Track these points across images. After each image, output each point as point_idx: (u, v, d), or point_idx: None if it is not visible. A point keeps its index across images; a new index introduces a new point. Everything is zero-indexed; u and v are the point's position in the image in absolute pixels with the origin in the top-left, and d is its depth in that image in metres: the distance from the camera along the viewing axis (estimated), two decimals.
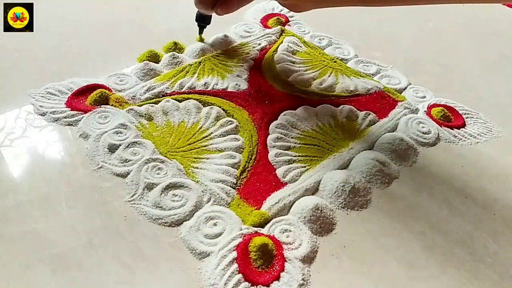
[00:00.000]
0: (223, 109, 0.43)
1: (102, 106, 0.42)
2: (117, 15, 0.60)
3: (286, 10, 0.63)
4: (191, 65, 0.49)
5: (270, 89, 0.47)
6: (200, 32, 0.52)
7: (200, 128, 0.41)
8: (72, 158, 0.37)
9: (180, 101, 0.44)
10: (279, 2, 0.41)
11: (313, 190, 0.36)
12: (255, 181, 0.36)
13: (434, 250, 0.32)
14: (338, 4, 0.38)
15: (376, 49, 0.56)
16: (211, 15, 0.49)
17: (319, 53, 0.53)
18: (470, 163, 0.40)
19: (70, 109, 0.42)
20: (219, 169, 0.37)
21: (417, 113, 0.45)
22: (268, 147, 0.39)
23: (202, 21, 0.50)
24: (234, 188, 0.35)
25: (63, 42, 0.53)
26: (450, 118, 0.45)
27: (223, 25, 0.56)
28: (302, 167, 0.38)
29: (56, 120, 0.41)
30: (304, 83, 0.48)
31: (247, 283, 0.28)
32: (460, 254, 0.32)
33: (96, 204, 0.33)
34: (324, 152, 0.39)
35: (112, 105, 0.42)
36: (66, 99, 0.43)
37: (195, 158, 0.38)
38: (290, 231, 0.32)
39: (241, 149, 0.39)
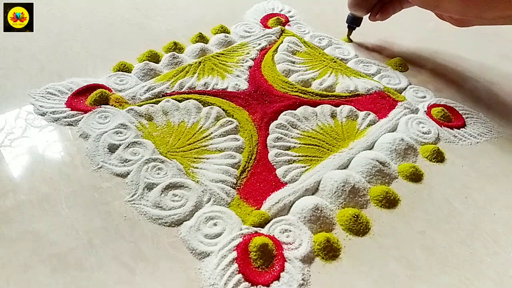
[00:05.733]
0: (223, 109, 0.43)
1: (102, 106, 0.42)
2: (117, 15, 0.60)
3: (286, 10, 0.63)
4: (191, 65, 0.49)
5: (270, 89, 0.46)
6: (349, 33, 0.55)
7: (200, 128, 0.41)
8: (72, 158, 0.37)
9: (180, 101, 0.44)
10: (442, 18, 0.43)
11: (313, 190, 0.36)
12: (255, 181, 0.36)
13: (434, 250, 0.32)
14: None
15: (376, 49, 0.56)
16: (362, 18, 0.53)
17: (319, 53, 0.53)
18: (470, 163, 0.40)
19: (70, 109, 0.42)
20: (219, 169, 0.37)
21: (417, 113, 0.45)
22: (268, 147, 0.39)
23: (354, 23, 0.54)
24: (234, 188, 0.35)
25: (63, 42, 0.53)
26: (450, 118, 0.45)
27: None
28: (302, 167, 0.38)
29: (56, 120, 0.41)
30: (304, 83, 0.48)
31: (247, 283, 0.28)
32: (460, 254, 0.32)
33: (96, 204, 0.33)
34: (324, 152, 0.39)
35: (112, 105, 0.42)
36: (66, 99, 0.43)
37: (195, 158, 0.38)
38: (290, 231, 0.32)
39: (241, 149, 0.39)
